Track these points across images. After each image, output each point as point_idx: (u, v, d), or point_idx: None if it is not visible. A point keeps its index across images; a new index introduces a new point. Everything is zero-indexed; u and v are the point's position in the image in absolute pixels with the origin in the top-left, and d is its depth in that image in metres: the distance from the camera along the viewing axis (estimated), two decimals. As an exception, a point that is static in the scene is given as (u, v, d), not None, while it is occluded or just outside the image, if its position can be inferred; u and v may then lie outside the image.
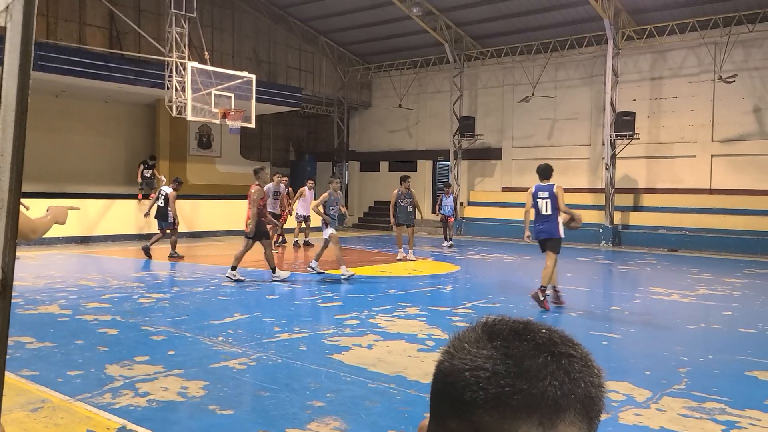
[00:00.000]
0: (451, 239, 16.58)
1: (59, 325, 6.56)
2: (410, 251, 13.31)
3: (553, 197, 8.05)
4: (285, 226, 15.81)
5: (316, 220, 14.20)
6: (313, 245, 15.13)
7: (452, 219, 16.65)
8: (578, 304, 8.64)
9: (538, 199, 8.23)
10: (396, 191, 13.31)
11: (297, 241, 15.86)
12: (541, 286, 7.88)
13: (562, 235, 8.07)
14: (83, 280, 9.78)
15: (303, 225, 15.85)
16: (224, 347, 5.75)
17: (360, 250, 15.48)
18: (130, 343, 5.86)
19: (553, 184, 8.25)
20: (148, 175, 17.53)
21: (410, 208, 13.34)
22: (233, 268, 9.87)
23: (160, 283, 9.90)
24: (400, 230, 13.25)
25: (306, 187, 15.76)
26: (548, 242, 8.05)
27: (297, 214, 15.67)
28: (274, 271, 10.06)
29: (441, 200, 16.72)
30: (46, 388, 4.45)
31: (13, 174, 2.21)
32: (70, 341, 5.86)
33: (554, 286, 8.22)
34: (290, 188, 15.86)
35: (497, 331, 0.64)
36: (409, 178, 14.25)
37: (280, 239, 15.49)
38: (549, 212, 8.04)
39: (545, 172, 8.41)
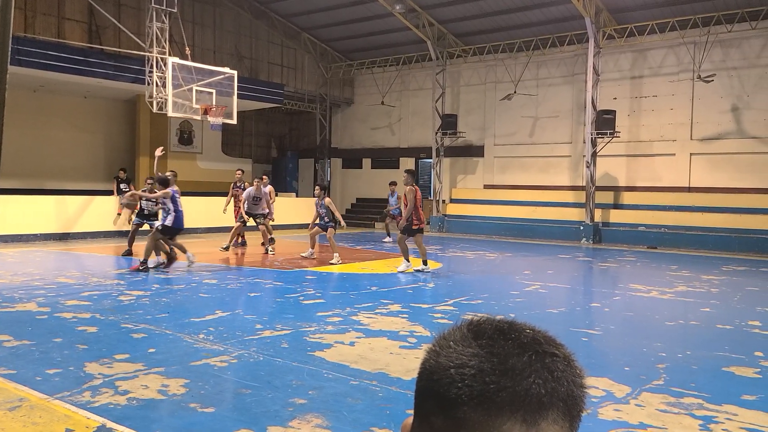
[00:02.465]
0: (390, 235, 16.62)
1: (37, 323, 6.47)
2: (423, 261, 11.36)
3: None
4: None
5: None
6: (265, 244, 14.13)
7: (399, 218, 15.75)
8: (559, 301, 8.73)
9: None
10: (410, 189, 10.85)
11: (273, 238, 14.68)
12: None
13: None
14: (62, 277, 9.64)
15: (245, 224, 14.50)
16: (205, 345, 5.71)
17: (342, 247, 15.45)
18: (110, 341, 5.80)
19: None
20: (126, 189, 16.93)
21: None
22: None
23: (140, 281, 9.80)
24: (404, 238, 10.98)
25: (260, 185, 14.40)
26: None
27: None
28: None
29: (388, 198, 17.03)
30: (24, 387, 4.39)
31: (-9, 170, 2.17)
32: (48, 339, 5.78)
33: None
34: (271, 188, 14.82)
35: (482, 329, 0.65)
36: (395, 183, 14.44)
37: (240, 240, 14.54)
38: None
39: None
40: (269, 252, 13.36)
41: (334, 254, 12.07)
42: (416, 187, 10.79)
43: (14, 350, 5.37)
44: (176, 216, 10.54)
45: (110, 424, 3.74)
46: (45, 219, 14.82)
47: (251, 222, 13.94)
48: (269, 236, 13.66)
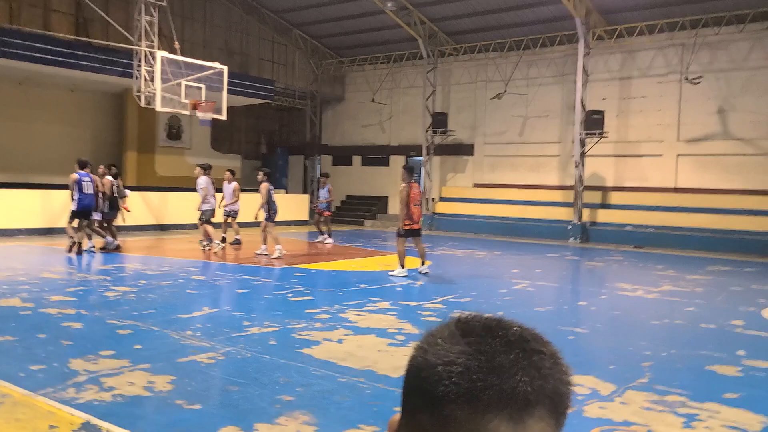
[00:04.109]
0: (325, 233, 15.23)
1: (21, 318, 6.40)
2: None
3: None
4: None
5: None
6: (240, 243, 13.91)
7: (328, 213, 15.47)
8: (546, 299, 8.77)
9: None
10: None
11: (225, 237, 13.93)
12: None
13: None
14: (46, 272, 9.55)
15: (229, 220, 14.01)
16: (192, 341, 5.68)
17: (331, 244, 15.43)
18: (96, 337, 5.75)
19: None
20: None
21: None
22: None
23: (126, 277, 9.73)
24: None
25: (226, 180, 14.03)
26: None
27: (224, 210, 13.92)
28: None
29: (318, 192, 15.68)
30: (7, 383, 4.34)
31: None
32: (32, 335, 5.72)
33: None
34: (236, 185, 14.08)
35: (470, 327, 0.65)
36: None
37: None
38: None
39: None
40: (206, 249, 12.74)
41: (276, 246, 11.94)
42: (413, 184, 9.98)
43: (-2, 345, 5.31)
44: (78, 200, 11.54)
45: (95, 421, 3.71)
46: (30, 214, 14.67)
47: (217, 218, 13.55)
48: (221, 235, 13.47)
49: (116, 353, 5.18)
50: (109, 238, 12.41)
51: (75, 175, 11.59)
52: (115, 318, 6.54)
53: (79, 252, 11.63)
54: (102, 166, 13.11)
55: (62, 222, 15.23)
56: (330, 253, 13.79)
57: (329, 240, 15.23)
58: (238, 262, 11.83)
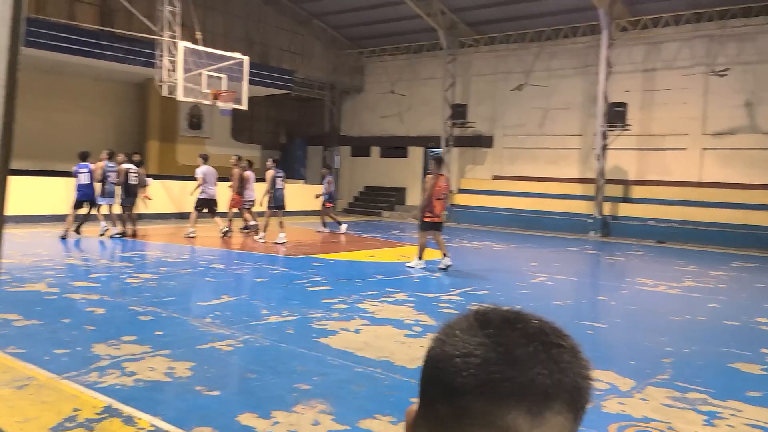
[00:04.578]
0: (324, 225, 15.37)
1: (46, 303, 6.53)
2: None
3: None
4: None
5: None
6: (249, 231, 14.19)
7: (329, 204, 15.51)
8: (565, 293, 8.71)
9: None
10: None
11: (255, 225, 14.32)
12: None
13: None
14: (71, 258, 9.72)
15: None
16: (212, 329, 5.75)
17: (349, 235, 15.49)
18: (118, 323, 5.85)
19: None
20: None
21: None
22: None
23: (148, 264, 9.87)
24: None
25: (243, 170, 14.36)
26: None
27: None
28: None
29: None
30: (33, 366, 4.44)
31: (2, 151, 2.18)
32: (57, 320, 5.83)
33: None
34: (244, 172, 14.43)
35: (489, 319, 0.65)
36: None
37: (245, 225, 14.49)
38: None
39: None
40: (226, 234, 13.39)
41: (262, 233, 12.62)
42: (441, 175, 9.67)
43: (24, 330, 5.42)
44: (76, 189, 12.38)
45: (117, 405, 3.78)
46: (54, 200, 14.89)
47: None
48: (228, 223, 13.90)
49: (138, 339, 5.26)
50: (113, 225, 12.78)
51: (74, 167, 12.36)
52: (136, 304, 6.64)
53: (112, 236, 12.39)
54: (121, 154, 13.36)
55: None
56: (348, 243, 13.84)
57: (325, 230, 15.31)
58: (256, 251, 11.91)
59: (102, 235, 12.28)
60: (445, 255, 9.91)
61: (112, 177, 12.51)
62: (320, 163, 25.44)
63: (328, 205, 15.58)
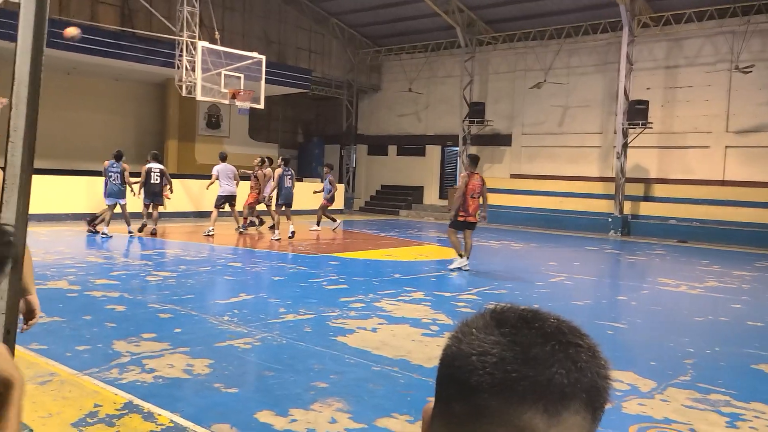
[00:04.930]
0: (318, 223, 15.25)
1: (68, 300, 6.63)
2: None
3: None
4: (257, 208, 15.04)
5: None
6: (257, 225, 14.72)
7: (325, 202, 15.32)
8: (584, 293, 8.64)
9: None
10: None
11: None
12: None
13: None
14: (92, 256, 9.85)
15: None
16: (230, 327, 5.79)
17: (366, 233, 15.51)
18: (138, 320, 5.91)
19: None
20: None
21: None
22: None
23: (167, 262, 9.97)
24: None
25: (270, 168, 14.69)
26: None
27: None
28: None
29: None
30: (55, 362, 4.50)
31: (26, 150, 2.21)
32: (78, 316, 5.92)
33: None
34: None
35: (506, 318, 0.64)
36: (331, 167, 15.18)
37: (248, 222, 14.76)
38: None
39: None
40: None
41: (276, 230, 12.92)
42: (474, 174, 9.48)
43: (46, 326, 5.51)
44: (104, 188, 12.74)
45: (137, 401, 3.82)
46: (76, 199, 15.12)
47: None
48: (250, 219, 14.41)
49: (157, 336, 5.32)
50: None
51: (106, 166, 12.73)
52: (156, 302, 6.71)
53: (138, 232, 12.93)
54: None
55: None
56: (365, 241, 13.86)
57: (317, 228, 15.14)
58: (272, 249, 11.98)
59: (131, 233, 12.53)
60: (461, 255, 9.74)
61: (114, 177, 12.62)
62: (338, 162, 25.52)
63: (325, 202, 15.57)
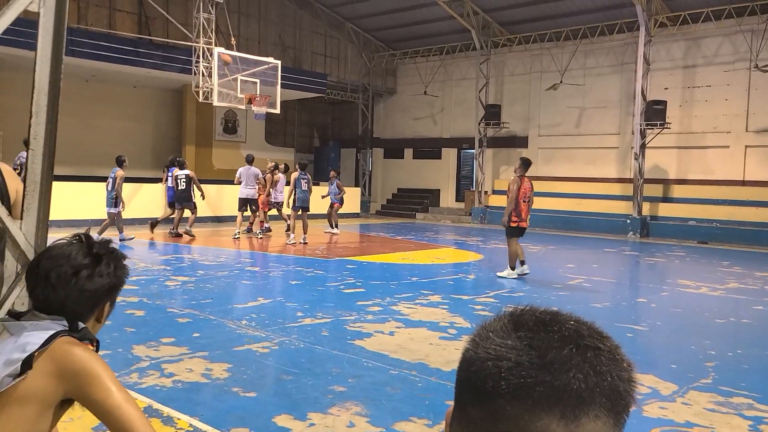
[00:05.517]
0: (335, 226, 15.44)
1: (88, 305, 6.70)
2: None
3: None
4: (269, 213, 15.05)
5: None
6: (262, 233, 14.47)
7: (337, 204, 15.51)
8: (603, 295, 8.55)
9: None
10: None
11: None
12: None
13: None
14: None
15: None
16: (248, 331, 5.82)
17: (383, 237, 15.51)
18: (157, 325, 5.96)
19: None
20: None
21: None
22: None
23: (185, 267, 10.05)
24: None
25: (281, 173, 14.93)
26: None
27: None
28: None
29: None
30: (76, 367, 4.55)
31: (46, 157, 2.25)
32: (98, 322, 5.98)
33: None
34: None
35: (523, 321, 0.63)
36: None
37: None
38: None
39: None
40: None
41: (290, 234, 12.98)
42: (524, 178, 9.14)
43: (67, 331, 5.58)
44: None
45: (156, 405, 3.85)
46: (96, 205, 15.30)
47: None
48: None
49: (176, 341, 5.36)
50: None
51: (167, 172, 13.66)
52: (174, 307, 6.77)
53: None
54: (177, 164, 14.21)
55: (126, 213, 15.89)
56: (381, 245, 13.86)
57: (336, 231, 15.41)
58: (289, 253, 12.03)
59: (122, 240, 12.52)
60: (522, 262, 9.29)
61: (110, 183, 12.68)
62: (353, 166, 25.57)
63: (337, 205, 15.63)
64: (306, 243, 12.87)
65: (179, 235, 13.49)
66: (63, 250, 1.57)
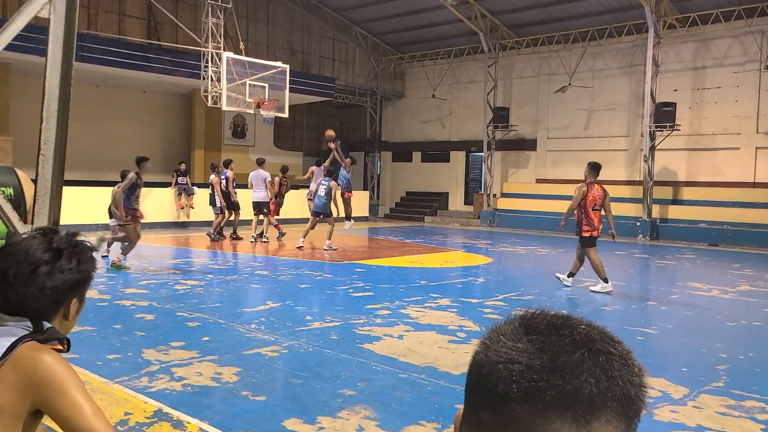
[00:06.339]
0: (349, 218, 14.46)
1: (98, 309, 6.74)
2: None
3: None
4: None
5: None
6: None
7: (348, 194, 14.75)
8: (614, 298, 8.50)
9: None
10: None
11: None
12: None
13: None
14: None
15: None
16: (257, 334, 5.83)
17: (391, 240, 15.51)
18: (166, 329, 5.99)
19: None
20: (183, 182, 17.33)
21: None
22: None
23: (195, 271, 10.08)
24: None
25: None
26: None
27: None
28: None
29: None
30: (86, 371, 4.57)
31: (56, 162, 2.26)
32: (108, 325, 6.01)
33: None
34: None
35: (534, 324, 0.63)
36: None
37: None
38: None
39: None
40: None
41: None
42: (593, 185, 8.51)
43: (77, 335, 5.61)
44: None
45: (166, 409, 3.86)
46: (105, 210, 15.38)
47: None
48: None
49: (185, 344, 5.37)
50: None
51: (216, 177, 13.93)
52: (184, 310, 6.79)
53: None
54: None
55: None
56: (389, 248, 13.85)
57: (349, 224, 14.65)
58: (297, 257, 12.04)
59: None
60: (605, 280, 8.55)
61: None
62: (362, 169, 25.59)
63: (347, 195, 15.36)
64: (335, 249, 12.43)
65: (239, 238, 13.93)
66: (22, 245, 1.47)
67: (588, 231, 8.55)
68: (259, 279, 9.31)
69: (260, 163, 14.32)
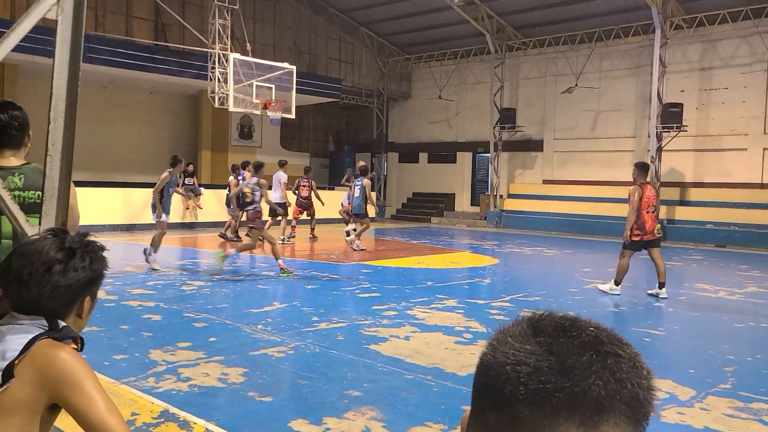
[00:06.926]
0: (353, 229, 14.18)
1: (106, 310, 6.76)
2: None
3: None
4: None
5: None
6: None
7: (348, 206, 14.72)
8: (621, 299, 8.47)
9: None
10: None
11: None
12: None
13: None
14: (128, 267, 10.04)
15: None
16: (263, 335, 5.84)
17: (398, 241, 15.50)
18: (173, 329, 6.00)
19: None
20: (190, 183, 17.31)
21: None
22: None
23: (201, 272, 10.11)
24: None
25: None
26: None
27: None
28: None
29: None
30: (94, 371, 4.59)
31: (64, 163, 2.27)
32: (116, 326, 6.04)
33: None
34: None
35: (542, 326, 0.63)
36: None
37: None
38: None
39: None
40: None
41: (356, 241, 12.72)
42: (645, 185, 8.20)
43: (84, 336, 5.61)
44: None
45: (173, 410, 3.87)
46: (113, 210, 15.47)
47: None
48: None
49: (192, 345, 5.39)
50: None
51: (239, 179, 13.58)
52: (191, 311, 6.81)
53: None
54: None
55: (143, 218, 16.05)
56: (397, 250, 13.84)
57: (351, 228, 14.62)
58: (304, 258, 12.06)
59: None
60: (661, 284, 8.31)
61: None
62: (369, 170, 25.56)
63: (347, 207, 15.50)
64: (363, 249, 12.66)
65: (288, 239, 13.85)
66: (35, 246, 1.51)
67: (638, 235, 8.21)
68: (265, 280, 9.32)
69: (281, 165, 14.38)
